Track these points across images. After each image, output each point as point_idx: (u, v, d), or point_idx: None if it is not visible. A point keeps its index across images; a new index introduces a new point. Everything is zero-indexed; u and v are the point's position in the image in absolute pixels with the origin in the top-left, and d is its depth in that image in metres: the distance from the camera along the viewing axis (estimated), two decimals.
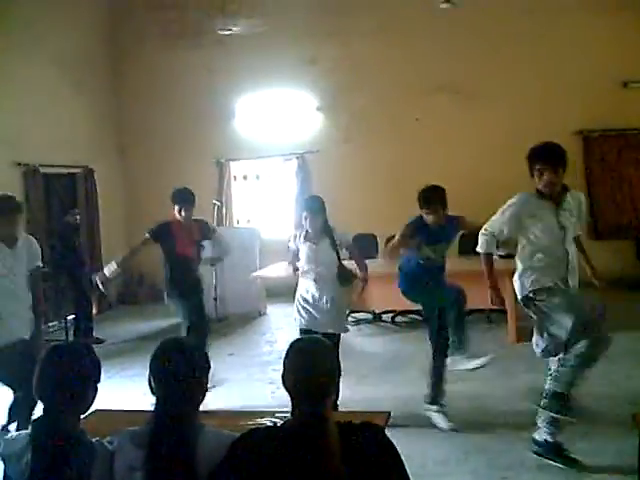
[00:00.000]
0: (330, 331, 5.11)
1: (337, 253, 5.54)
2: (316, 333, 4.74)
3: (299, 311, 5.46)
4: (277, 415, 3.11)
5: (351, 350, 7.25)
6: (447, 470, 4.56)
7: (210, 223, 6.56)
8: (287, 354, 2.22)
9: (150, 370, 2.44)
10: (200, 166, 11.74)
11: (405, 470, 2.18)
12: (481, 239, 4.74)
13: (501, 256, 8.51)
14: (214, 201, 9.99)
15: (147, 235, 6.33)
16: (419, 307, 8.63)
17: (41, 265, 5.05)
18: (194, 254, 6.37)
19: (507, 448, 4.71)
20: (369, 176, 10.78)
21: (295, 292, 5.60)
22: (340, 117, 11.37)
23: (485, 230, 4.71)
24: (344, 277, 5.52)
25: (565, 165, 4.39)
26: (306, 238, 5.55)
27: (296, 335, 5.12)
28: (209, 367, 2.51)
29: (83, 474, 2.36)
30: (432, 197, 5.13)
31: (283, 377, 2.21)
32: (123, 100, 12.17)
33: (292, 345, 2.24)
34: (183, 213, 6.21)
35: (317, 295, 5.38)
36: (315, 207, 5.51)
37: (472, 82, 10.78)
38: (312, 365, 2.16)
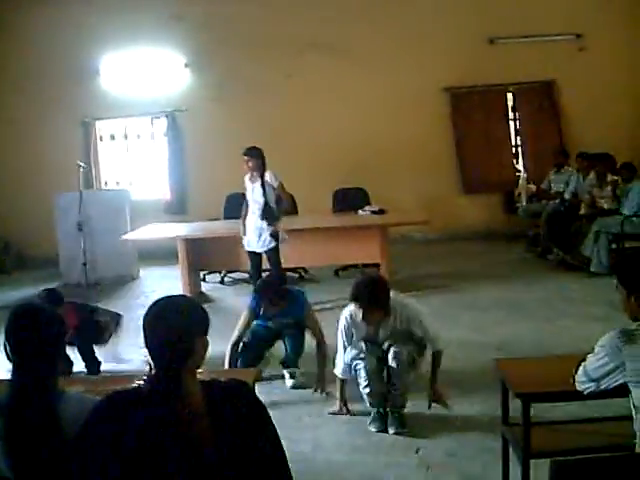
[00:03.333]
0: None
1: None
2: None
3: None
4: (144, 378, 3.02)
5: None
6: (323, 421, 4.63)
7: None
8: (146, 314, 2.15)
9: (5, 337, 2.38)
10: (64, 126, 11.24)
11: (273, 425, 2.15)
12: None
13: (373, 212, 8.69)
14: (79, 163, 9.58)
15: None
16: (296, 264, 8.79)
17: None
18: None
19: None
20: (240, 134, 10.62)
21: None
22: (209, 74, 11.12)
23: None
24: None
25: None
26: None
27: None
28: (65, 332, 2.44)
29: None
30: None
31: (144, 336, 2.14)
32: None
33: (154, 302, 2.18)
34: None
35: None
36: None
37: (344, 39, 10.76)
38: (161, 324, 2.10)
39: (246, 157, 7.24)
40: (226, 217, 9.41)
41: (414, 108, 10.65)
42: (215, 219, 9.48)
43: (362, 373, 4.50)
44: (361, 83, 10.78)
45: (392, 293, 4.47)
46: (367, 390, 4.54)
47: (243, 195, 7.64)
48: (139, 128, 11.73)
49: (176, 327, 2.08)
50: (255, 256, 7.44)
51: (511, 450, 3.49)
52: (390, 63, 10.74)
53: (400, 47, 10.72)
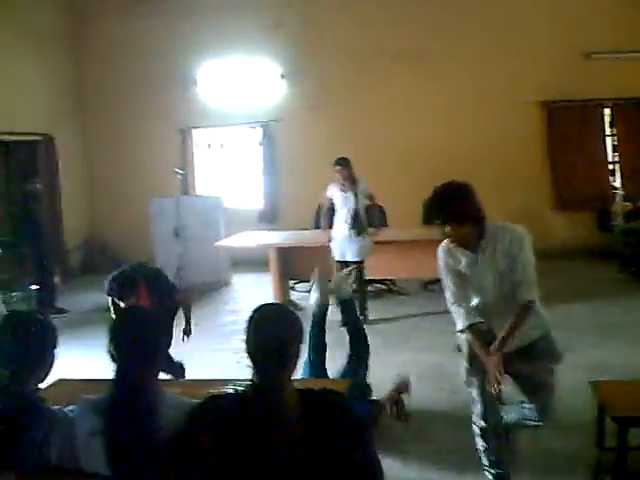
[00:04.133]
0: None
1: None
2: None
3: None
4: (239, 383, 3.10)
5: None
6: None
7: None
8: (248, 321, 2.20)
9: (110, 338, 2.44)
10: (163, 134, 11.63)
11: (367, 437, 2.19)
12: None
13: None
14: (177, 170, 9.88)
15: None
16: (384, 276, 8.80)
17: None
18: None
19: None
20: (334, 144, 10.72)
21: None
22: (305, 85, 11.28)
23: None
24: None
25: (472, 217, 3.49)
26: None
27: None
28: (171, 336, 2.51)
29: (43, 441, 2.36)
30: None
31: (246, 343, 2.19)
32: (85, 67, 11.93)
33: (253, 312, 2.23)
34: None
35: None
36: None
37: (436, 50, 10.74)
38: (269, 331, 2.15)
39: (339, 167, 7.36)
40: (317, 227, 9.51)
41: (507, 121, 10.52)
42: (305, 229, 9.58)
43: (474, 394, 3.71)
44: (454, 95, 10.72)
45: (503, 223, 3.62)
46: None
47: (332, 205, 7.71)
48: (235, 137, 11.97)
49: (283, 334, 2.14)
50: (344, 265, 7.48)
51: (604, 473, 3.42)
52: (484, 75, 10.65)
53: (495, 60, 10.62)
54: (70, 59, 11.80)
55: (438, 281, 9.10)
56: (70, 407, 2.48)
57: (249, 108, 11.50)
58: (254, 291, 9.15)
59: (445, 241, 3.61)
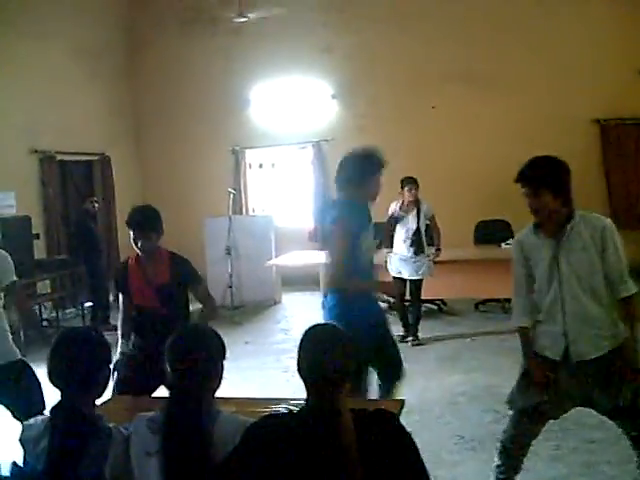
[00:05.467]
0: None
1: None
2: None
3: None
4: (292, 402, 3.11)
5: None
6: (462, 458, 4.57)
7: (193, 269, 4.38)
8: (301, 341, 2.21)
9: (166, 356, 2.46)
10: (216, 154, 11.81)
11: (420, 457, 2.19)
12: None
13: None
14: (229, 189, 10.01)
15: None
16: (435, 296, 8.76)
17: (16, 279, 4.13)
18: (157, 302, 4.17)
19: None
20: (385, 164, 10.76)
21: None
22: (355, 105, 11.34)
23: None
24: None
25: (551, 185, 3.32)
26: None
27: (310, 323, 5.13)
28: (224, 353, 2.53)
29: (100, 459, 2.38)
30: None
31: (298, 364, 2.21)
32: (139, 87, 12.21)
33: (306, 332, 2.24)
34: (140, 244, 4.16)
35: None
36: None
37: (487, 70, 10.72)
38: (324, 353, 2.15)
39: (409, 186, 7.41)
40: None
41: (561, 139, 10.36)
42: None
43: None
44: (505, 114, 10.64)
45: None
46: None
47: (390, 223, 7.67)
48: (286, 157, 12.08)
49: (339, 356, 2.14)
50: (401, 283, 7.48)
51: None
52: (536, 93, 10.53)
53: (547, 77, 10.51)
54: (126, 79, 12.10)
55: (489, 301, 9.09)
56: (126, 424, 2.51)
57: (300, 128, 11.60)
58: (304, 310, 9.18)
59: (526, 228, 3.48)
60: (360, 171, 4.09)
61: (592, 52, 10.35)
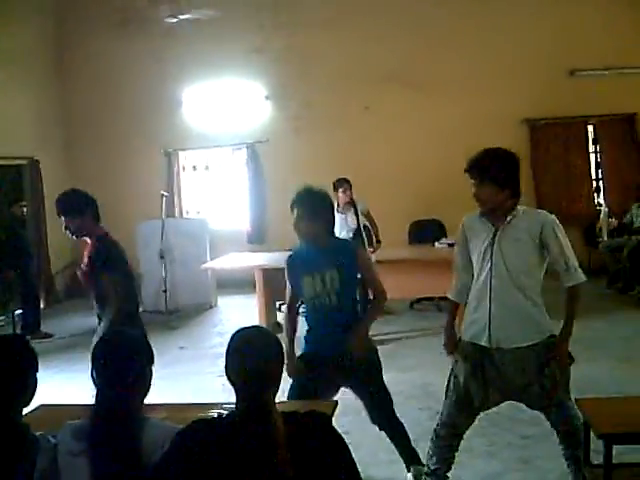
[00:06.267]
0: None
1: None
2: None
3: None
4: (224, 407, 3.08)
5: None
6: (398, 457, 4.58)
7: (107, 258, 4.27)
8: (229, 345, 2.20)
9: (92, 361, 2.42)
10: (149, 156, 11.64)
11: (352, 459, 2.19)
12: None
13: (450, 244, 8.64)
14: (162, 192, 9.87)
15: None
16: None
17: None
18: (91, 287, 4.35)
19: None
20: (320, 165, 10.77)
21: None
22: (289, 106, 11.32)
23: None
24: None
25: (496, 177, 3.40)
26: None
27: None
28: (152, 358, 2.49)
29: (27, 468, 2.32)
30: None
31: (226, 367, 2.19)
32: (69, 90, 11.93)
33: (234, 335, 2.22)
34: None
35: None
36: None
37: (420, 70, 10.86)
38: (249, 354, 2.14)
39: (343, 187, 7.42)
40: None
41: (492, 139, 10.39)
42: (291, 250, 9.54)
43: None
44: (437, 114, 10.79)
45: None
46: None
47: None
48: (220, 158, 11.99)
49: (264, 357, 2.14)
50: None
51: None
52: (468, 94, 10.70)
53: (478, 78, 10.70)
54: (55, 82, 11.81)
55: (424, 300, 9.17)
56: (53, 433, 2.45)
57: (234, 130, 11.52)
58: (240, 313, 9.13)
59: (472, 213, 3.57)
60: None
61: (523, 52, 10.58)
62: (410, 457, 4.10)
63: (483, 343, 3.45)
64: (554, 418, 3.55)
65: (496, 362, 3.45)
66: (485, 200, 3.42)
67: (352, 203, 7.55)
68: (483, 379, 3.49)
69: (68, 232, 4.31)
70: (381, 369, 4.00)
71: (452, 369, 3.65)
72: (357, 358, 3.72)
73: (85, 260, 4.33)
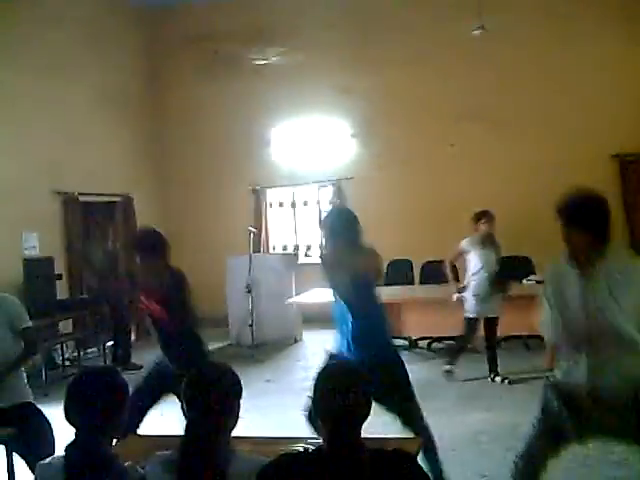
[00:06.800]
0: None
1: None
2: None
3: None
4: (309, 442, 3.09)
5: None
6: None
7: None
8: (317, 379, 2.21)
9: (183, 394, 2.46)
10: (237, 193, 11.91)
11: None
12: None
13: (538, 282, 8.46)
14: (250, 227, 10.06)
15: None
16: (455, 333, 8.70)
17: (30, 326, 4.24)
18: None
19: None
20: (403, 202, 10.80)
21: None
22: (374, 144, 11.41)
23: None
24: None
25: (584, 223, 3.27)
26: None
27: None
28: (241, 392, 2.51)
29: None
30: None
31: (314, 403, 2.20)
32: (162, 130, 12.37)
33: (322, 369, 2.24)
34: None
35: None
36: None
37: (504, 109, 10.78)
38: (341, 391, 2.14)
39: (486, 219, 7.35)
40: (387, 283, 9.46)
41: (580, 175, 10.28)
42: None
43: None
44: (522, 151, 10.63)
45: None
46: None
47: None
48: (306, 195, 12.15)
49: (354, 394, 2.14)
50: (477, 322, 7.40)
51: None
52: (552, 130, 10.55)
53: (564, 113, 10.53)
54: (149, 121, 12.27)
55: (511, 338, 8.93)
56: (142, 464, 2.51)
57: (320, 167, 11.68)
58: (325, 347, 9.12)
59: (558, 258, 3.38)
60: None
61: (609, 87, 10.37)
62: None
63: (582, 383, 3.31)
64: None
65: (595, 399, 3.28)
66: (577, 246, 3.27)
67: (494, 239, 7.40)
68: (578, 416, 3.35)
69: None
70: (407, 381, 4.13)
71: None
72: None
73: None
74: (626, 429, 3.23)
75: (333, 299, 4.26)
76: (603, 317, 3.15)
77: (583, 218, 3.24)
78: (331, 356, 4.37)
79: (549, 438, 3.44)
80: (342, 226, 4.23)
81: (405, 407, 4.09)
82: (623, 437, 3.32)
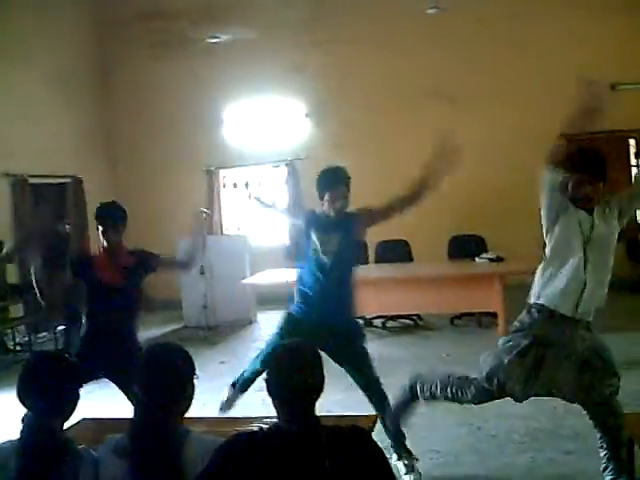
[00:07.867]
0: None
1: None
2: None
3: None
4: (265, 421, 3.08)
5: None
6: (440, 473, 4.56)
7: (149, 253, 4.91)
8: (271, 357, 2.22)
9: (134, 375, 2.44)
10: (190, 175, 11.77)
11: (392, 474, 2.18)
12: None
13: (491, 259, 8.58)
14: (203, 209, 9.97)
15: None
16: (410, 311, 8.79)
17: None
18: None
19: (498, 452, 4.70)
20: (358, 183, 10.72)
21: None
22: (329, 123, 11.38)
23: None
24: None
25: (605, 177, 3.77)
26: None
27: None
28: (193, 373, 2.49)
29: None
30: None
31: (267, 383, 2.20)
32: (112, 110, 12.16)
33: (275, 350, 2.24)
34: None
35: None
36: None
37: (461, 88, 10.80)
38: (295, 370, 2.15)
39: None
40: None
41: (533, 154, 10.40)
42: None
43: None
44: (479, 130, 10.68)
45: None
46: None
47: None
48: (260, 175, 12.07)
49: (308, 372, 2.16)
50: None
51: None
52: (508, 110, 10.64)
53: (519, 93, 10.63)
54: (99, 102, 12.05)
55: (465, 316, 9.10)
56: (94, 447, 2.48)
57: (274, 147, 11.62)
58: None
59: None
60: (319, 186, 4.58)
61: (564, 65, 10.45)
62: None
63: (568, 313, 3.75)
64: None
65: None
66: (596, 197, 3.70)
67: None
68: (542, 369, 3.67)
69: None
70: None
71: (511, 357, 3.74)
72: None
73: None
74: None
75: (306, 262, 4.50)
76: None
77: (605, 174, 3.70)
78: (289, 316, 4.67)
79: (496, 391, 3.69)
80: (343, 182, 4.54)
81: (367, 366, 4.36)
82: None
